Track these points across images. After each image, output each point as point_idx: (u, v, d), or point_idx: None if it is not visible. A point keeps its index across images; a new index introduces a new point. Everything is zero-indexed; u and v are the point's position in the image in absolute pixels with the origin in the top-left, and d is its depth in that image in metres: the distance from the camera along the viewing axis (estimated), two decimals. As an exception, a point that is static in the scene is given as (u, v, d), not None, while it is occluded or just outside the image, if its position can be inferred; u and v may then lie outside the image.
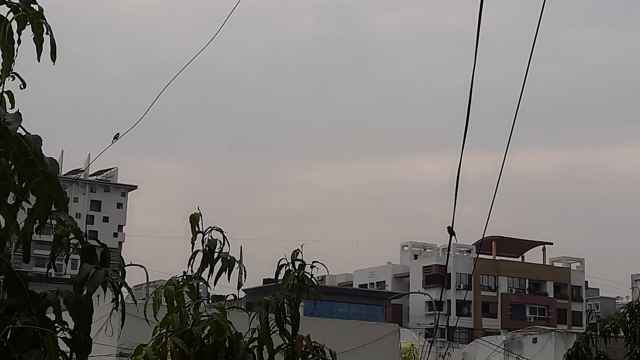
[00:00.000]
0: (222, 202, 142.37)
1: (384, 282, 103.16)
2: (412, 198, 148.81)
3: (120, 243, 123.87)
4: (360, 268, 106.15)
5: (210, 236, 7.83)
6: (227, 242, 7.91)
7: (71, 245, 4.55)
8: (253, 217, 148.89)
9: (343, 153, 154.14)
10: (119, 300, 4.30)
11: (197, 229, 7.75)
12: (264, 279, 62.40)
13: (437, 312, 75.25)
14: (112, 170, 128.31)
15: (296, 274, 8.14)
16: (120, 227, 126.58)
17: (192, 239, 7.73)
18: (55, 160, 4.07)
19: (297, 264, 8.25)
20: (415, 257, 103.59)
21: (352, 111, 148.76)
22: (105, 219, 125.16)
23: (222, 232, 7.81)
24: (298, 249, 8.27)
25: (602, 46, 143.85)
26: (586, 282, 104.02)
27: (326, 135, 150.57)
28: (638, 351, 18.34)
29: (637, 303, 19.08)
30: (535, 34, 10.74)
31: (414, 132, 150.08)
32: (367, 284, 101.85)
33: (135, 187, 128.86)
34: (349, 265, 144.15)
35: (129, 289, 4.30)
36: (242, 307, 8.77)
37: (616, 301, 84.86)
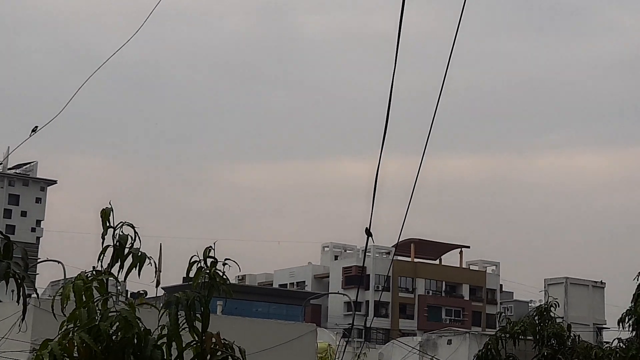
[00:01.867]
0: (144, 199, 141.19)
1: (304, 282, 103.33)
2: (334, 199, 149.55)
3: (38, 238, 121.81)
4: (281, 268, 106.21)
5: (122, 232, 7.82)
6: (139, 237, 7.91)
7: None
8: (175, 215, 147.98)
9: (267, 153, 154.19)
10: (21, 293, 4.31)
11: (107, 224, 7.73)
12: (183, 277, 61.84)
13: (354, 312, 75.57)
14: (32, 164, 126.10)
15: (207, 272, 8.16)
16: (38, 222, 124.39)
17: (102, 234, 7.71)
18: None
19: (209, 261, 8.26)
20: (336, 257, 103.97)
21: (278, 111, 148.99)
22: (24, 214, 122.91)
23: (133, 227, 7.81)
24: (210, 247, 8.28)
25: (525, 56, 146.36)
26: (501, 285, 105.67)
27: (251, 134, 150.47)
28: (546, 353, 18.77)
29: (546, 306, 19.50)
30: (454, 41, 10.95)
31: (337, 134, 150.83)
32: (287, 284, 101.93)
33: (54, 182, 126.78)
34: (270, 265, 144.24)
35: (31, 281, 4.30)
36: (161, 304, 8.76)
37: (529, 304, 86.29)
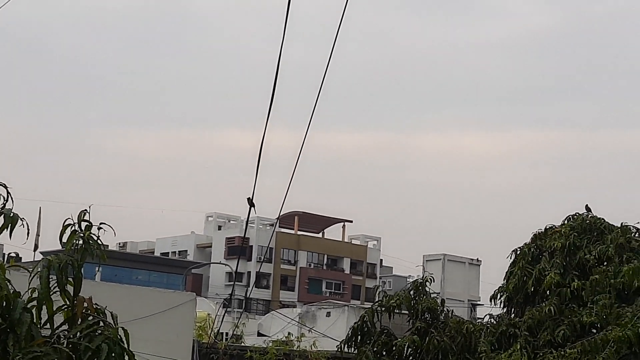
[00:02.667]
0: (24, 162, 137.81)
1: (186, 251, 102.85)
2: (220, 170, 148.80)
3: None
4: (164, 237, 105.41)
5: (-6, 192, 7.64)
6: (12, 198, 7.76)
7: None
8: (60, 179, 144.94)
9: (153, 120, 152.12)
10: None
11: (-22, 185, 7.56)
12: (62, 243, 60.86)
13: (235, 282, 75.69)
14: None
15: (81, 235, 8.05)
16: None
17: (-27, 194, 7.54)
18: None
19: (83, 225, 8.15)
20: (220, 228, 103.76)
21: (166, 79, 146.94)
22: None
23: (5, 187, 7.65)
24: (85, 210, 8.18)
25: (413, 35, 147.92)
26: (381, 260, 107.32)
27: (137, 101, 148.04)
28: (419, 327, 19.17)
29: (422, 281, 19.90)
30: (342, 16, 11.03)
31: (226, 104, 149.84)
32: (169, 253, 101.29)
33: None
34: (152, 234, 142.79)
35: None
36: (39, 269, 8.59)
37: (408, 279, 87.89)
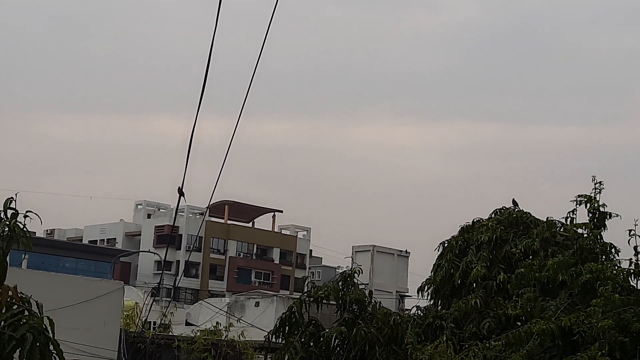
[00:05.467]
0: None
1: (115, 239, 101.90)
2: (151, 157, 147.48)
3: None
4: (93, 224, 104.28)
5: None
6: None
7: None
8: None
9: (83, 106, 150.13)
10: None
11: None
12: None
13: (163, 271, 75.30)
14: None
15: (7, 223, 7.96)
16: None
17: None
18: None
19: (9, 212, 8.06)
20: (149, 216, 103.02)
21: (98, 63, 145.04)
22: None
23: None
24: (11, 197, 8.09)
25: (351, 25, 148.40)
26: (311, 250, 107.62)
27: (67, 85, 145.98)
28: (347, 318, 19.26)
29: (350, 272, 19.99)
30: (275, 4, 11.01)
31: (158, 91, 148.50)
32: (97, 240, 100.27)
33: None
34: (81, 221, 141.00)
35: None
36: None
37: (337, 270, 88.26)
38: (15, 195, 8.13)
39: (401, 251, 61.39)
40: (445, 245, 19.88)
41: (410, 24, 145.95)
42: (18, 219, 8.04)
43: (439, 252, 19.89)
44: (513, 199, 20.33)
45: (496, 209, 20.16)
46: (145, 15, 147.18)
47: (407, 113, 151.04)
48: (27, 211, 8.14)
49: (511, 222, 19.53)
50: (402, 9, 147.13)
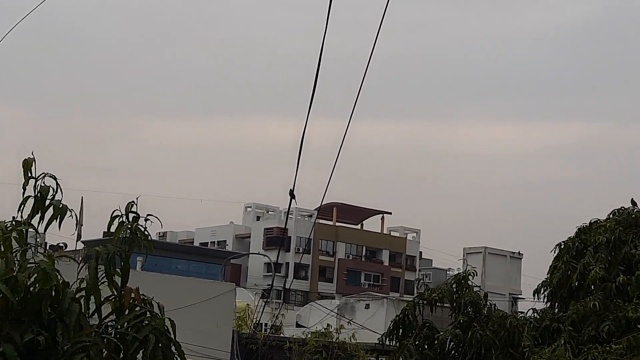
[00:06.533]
0: (64, 153, 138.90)
1: (225, 241, 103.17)
2: (259, 160, 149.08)
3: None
4: (203, 227, 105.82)
5: (43, 183, 7.68)
6: (61, 189, 7.78)
7: None
8: (97, 170, 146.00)
9: (193, 111, 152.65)
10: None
11: (29, 175, 7.59)
12: (104, 232, 61.23)
13: (274, 273, 75.85)
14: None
15: (129, 226, 8.07)
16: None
17: (23, 184, 7.57)
18: None
19: (131, 216, 8.17)
20: (258, 218, 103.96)
21: (208, 69, 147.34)
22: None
23: (55, 179, 7.67)
24: (133, 201, 8.19)
25: (454, 26, 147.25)
26: (420, 252, 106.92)
27: (177, 91, 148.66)
28: (462, 320, 19.05)
29: (464, 275, 19.77)
30: (386, 6, 10.93)
31: (267, 94, 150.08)
32: (208, 243, 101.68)
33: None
34: (191, 224, 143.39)
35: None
36: (80, 258, 8.62)
37: (447, 272, 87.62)
38: (136, 199, 8.24)
39: (514, 253, 60.50)
40: (562, 246, 19.50)
41: (516, 22, 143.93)
42: (139, 223, 8.14)
43: (555, 254, 19.51)
44: (632, 199, 19.83)
45: (614, 210, 19.68)
46: (253, 18, 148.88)
47: (513, 113, 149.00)
48: (147, 214, 8.24)
49: (630, 222, 19.04)
50: (508, 7, 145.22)
